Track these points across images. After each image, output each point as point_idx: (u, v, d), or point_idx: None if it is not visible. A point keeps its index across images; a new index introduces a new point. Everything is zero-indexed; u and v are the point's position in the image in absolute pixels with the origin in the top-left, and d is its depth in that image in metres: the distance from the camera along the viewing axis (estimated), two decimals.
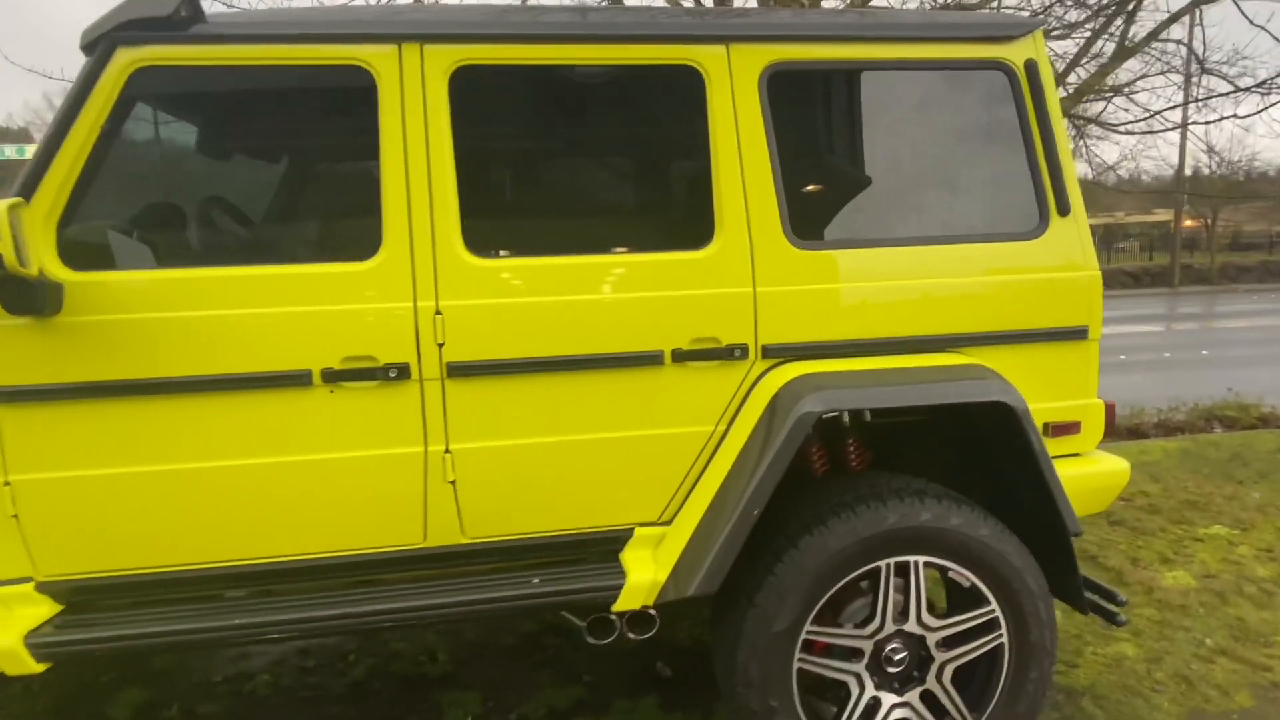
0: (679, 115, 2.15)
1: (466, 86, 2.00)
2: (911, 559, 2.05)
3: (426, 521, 2.08)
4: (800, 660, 2.04)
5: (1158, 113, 5.82)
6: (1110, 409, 2.34)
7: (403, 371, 1.97)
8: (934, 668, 2.12)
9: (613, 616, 2.08)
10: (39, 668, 1.86)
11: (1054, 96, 2.25)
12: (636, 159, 2.33)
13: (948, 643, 2.13)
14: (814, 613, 2.02)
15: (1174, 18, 5.26)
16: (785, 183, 2.12)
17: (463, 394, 2.03)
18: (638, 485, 2.14)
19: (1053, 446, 2.28)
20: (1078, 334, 2.26)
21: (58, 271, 1.86)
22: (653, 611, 2.10)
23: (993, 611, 2.10)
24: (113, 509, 1.93)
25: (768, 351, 2.12)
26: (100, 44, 1.87)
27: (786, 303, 2.12)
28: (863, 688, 2.10)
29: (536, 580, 2.07)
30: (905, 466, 2.45)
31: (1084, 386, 2.29)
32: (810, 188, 2.24)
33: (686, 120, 2.11)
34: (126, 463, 1.92)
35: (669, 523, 2.15)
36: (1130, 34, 5.46)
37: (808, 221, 2.16)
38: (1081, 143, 6.78)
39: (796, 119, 2.21)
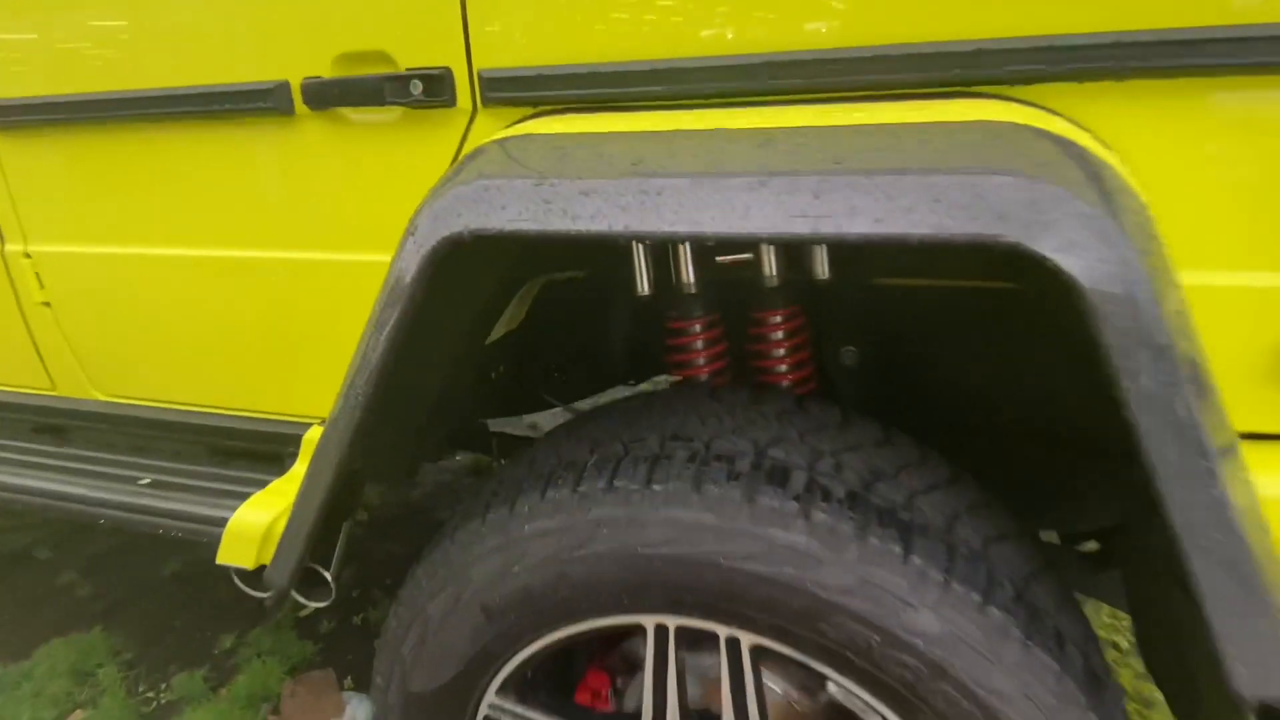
0: None
1: None
2: (722, 633, 0.81)
3: (45, 362, 1.36)
4: None
5: None
6: None
7: None
8: None
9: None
10: None
11: None
12: None
13: None
14: (500, 677, 0.93)
15: None
16: None
17: (15, 153, 1.19)
18: (303, 351, 1.16)
19: None
20: None
21: None
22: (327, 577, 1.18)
23: None
24: None
25: (492, 86, 0.89)
26: None
27: None
28: None
29: (145, 481, 1.27)
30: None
31: None
32: None
33: None
34: None
35: None
36: None
37: None
38: None
39: None
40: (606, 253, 1.13)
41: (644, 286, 1.07)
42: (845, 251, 1.01)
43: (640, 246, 1.03)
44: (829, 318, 1.15)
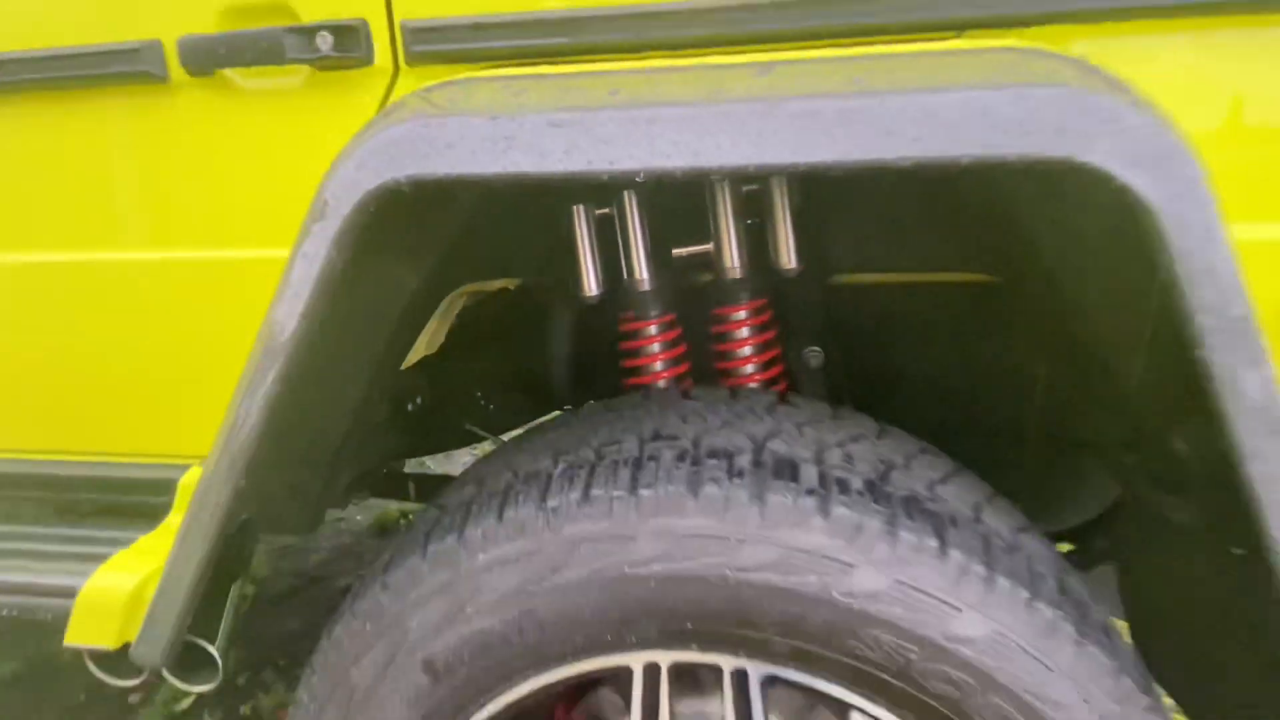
0: None
1: None
2: (727, 665, 0.69)
3: None
4: None
5: None
6: None
7: None
8: None
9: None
10: None
11: None
12: None
13: None
14: None
15: None
16: None
17: None
18: (178, 373, 0.96)
19: None
20: None
21: None
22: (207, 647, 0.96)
23: None
24: None
25: (419, 39, 0.76)
26: None
27: None
28: None
29: None
30: None
31: None
32: None
33: None
34: None
35: None
36: None
37: None
38: None
39: None
40: (545, 252, 1.02)
41: (591, 285, 0.96)
42: (808, 242, 0.94)
43: (587, 232, 0.92)
44: (791, 317, 1.07)
